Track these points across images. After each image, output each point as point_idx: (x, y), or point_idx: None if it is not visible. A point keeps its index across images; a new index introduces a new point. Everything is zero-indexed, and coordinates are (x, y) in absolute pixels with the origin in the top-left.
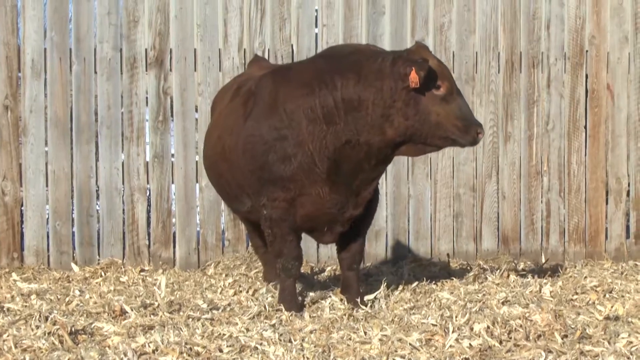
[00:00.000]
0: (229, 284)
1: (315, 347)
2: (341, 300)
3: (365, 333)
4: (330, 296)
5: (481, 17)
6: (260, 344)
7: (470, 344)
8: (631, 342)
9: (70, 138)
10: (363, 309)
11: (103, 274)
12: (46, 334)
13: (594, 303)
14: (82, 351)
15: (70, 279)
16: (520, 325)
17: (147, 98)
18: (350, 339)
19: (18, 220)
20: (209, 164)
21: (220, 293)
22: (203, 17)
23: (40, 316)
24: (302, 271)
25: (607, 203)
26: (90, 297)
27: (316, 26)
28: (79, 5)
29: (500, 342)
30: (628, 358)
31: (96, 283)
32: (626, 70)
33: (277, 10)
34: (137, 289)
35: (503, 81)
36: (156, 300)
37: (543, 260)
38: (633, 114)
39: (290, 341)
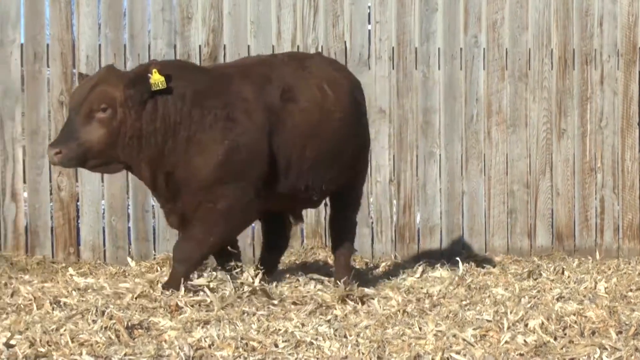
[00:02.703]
0: (285, 279)
1: (370, 342)
2: None
3: (420, 328)
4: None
5: (534, 13)
6: (316, 339)
7: (524, 340)
8: None
9: None
10: None
11: (159, 268)
12: (103, 329)
13: None
14: (138, 346)
15: (127, 274)
16: (575, 322)
17: None
18: (404, 334)
19: (74, 216)
20: None
21: (276, 288)
22: (256, 13)
23: (96, 311)
24: (357, 266)
25: None
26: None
27: (369, 23)
28: (133, 2)
29: (555, 338)
30: None
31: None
32: None
33: (330, 7)
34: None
35: (556, 78)
36: (209, 296)
37: (598, 257)
38: None
39: (345, 336)
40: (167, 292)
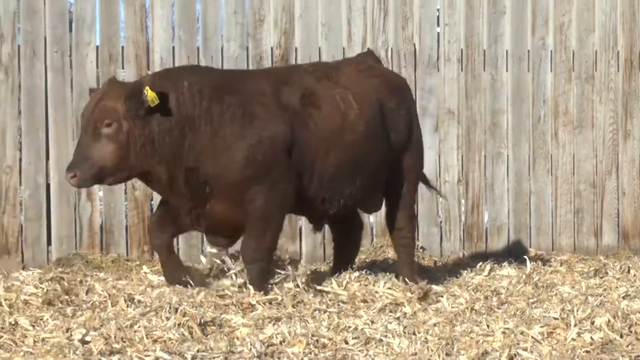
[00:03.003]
0: (355, 277)
1: (438, 339)
2: None
3: (487, 326)
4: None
5: (600, 16)
6: (385, 336)
7: (591, 338)
8: None
9: None
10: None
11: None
12: (176, 325)
13: None
14: (211, 342)
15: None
16: None
17: None
18: (472, 331)
19: (148, 215)
20: None
21: (345, 287)
22: (327, 16)
23: (170, 308)
24: (425, 264)
25: None
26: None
27: (438, 25)
28: (206, 5)
29: (621, 336)
30: None
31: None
32: None
33: (400, 10)
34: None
35: (622, 80)
36: (280, 295)
37: None
38: None
39: (414, 334)
40: (257, 292)
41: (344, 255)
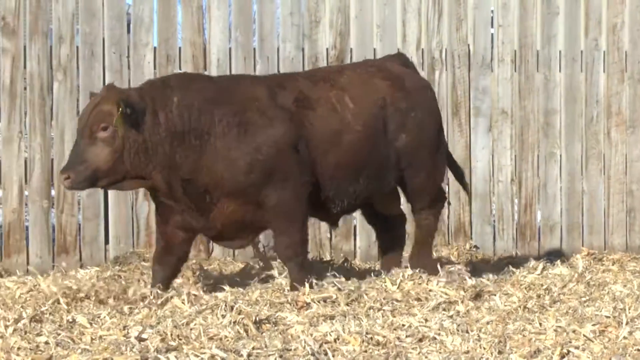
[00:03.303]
0: (409, 275)
1: (491, 337)
2: None
3: (540, 324)
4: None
5: None
6: (439, 334)
7: None
8: None
9: None
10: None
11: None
12: (232, 323)
13: None
14: (266, 340)
15: (254, 271)
16: None
17: None
18: (525, 329)
19: None
20: None
21: (399, 286)
22: (382, 17)
23: (226, 306)
24: (479, 263)
25: None
26: (274, 288)
27: (492, 26)
28: (262, 6)
29: None
30: None
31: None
32: None
33: (454, 11)
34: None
35: None
36: (335, 293)
37: None
38: None
39: (467, 332)
40: (301, 288)
41: (390, 251)
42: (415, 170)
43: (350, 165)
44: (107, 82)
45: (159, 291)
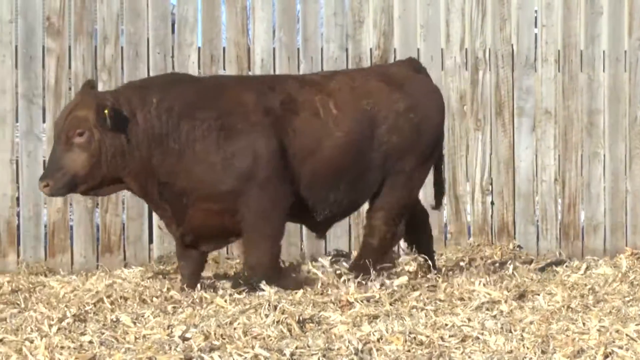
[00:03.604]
0: (452, 275)
1: (534, 337)
2: None
3: (583, 324)
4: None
5: None
6: (482, 334)
7: None
8: None
9: None
10: None
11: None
12: (275, 322)
13: None
14: (309, 339)
15: (298, 270)
16: None
17: None
18: (568, 329)
19: None
20: None
21: (442, 287)
22: (426, 17)
23: (269, 305)
24: (523, 263)
25: None
26: (316, 288)
27: (536, 26)
28: (306, 6)
29: None
30: None
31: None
32: None
33: (498, 11)
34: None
35: None
36: (378, 293)
37: None
38: None
39: (510, 331)
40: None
41: (420, 248)
42: (397, 171)
43: (329, 172)
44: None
45: (204, 292)
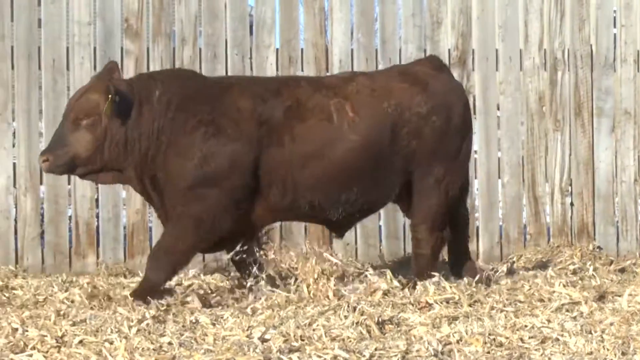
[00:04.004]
0: (531, 276)
1: (615, 338)
2: None
3: None
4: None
5: None
6: (562, 335)
7: None
8: None
9: None
10: None
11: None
12: (354, 324)
13: None
14: (389, 340)
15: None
16: None
17: None
18: None
19: None
20: None
21: (522, 288)
22: (504, 18)
23: (348, 306)
24: (602, 264)
25: None
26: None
27: (614, 26)
28: (384, 7)
29: None
30: None
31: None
32: None
33: (576, 11)
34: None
35: None
36: (457, 294)
37: None
38: None
39: (590, 332)
40: (146, 302)
41: (455, 256)
42: (422, 173)
43: (341, 174)
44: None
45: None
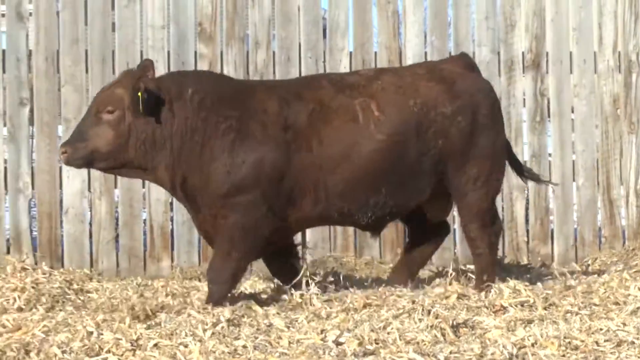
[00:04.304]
0: (606, 279)
1: None
2: None
3: None
4: None
5: None
6: (637, 339)
7: None
8: None
9: None
10: None
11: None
12: (429, 327)
13: None
14: (463, 344)
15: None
16: None
17: (524, 99)
18: None
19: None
20: None
21: (597, 291)
22: (578, 20)
23: (423, 310)
24: None
25: None
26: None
27: None
28: (458, 10)
29: None
30: None
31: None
32: None
33: None
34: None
35: None
36: (532, 297)
37: None
38: None
39: None
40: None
41: (412, 255)
42: (455, 174)
43: (369, 176)
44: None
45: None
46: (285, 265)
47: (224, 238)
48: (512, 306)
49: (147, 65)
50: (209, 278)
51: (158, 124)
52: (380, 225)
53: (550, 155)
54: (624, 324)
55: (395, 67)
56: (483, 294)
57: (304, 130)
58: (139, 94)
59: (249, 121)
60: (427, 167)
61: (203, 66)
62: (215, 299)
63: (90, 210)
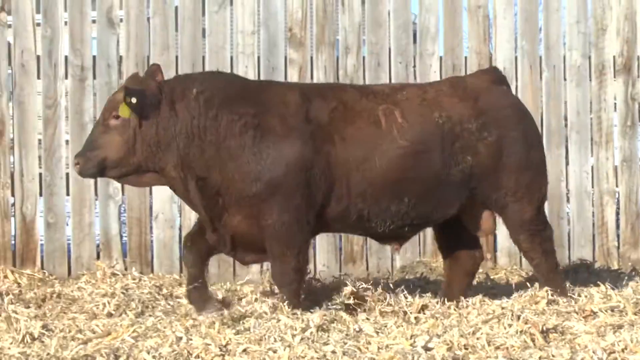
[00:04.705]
0: None
1: None
2: None
3: None
4: None
5: None
6: None
7: None
8: None
9: None
10: None
11: (573, 274)
12: (518, 332)
13: None
14: (553, 349)
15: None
16: None
17: (615, 104)
18: None
19: None
20: None
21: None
22: None
23: (512, 315)
24: None
25: None
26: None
27: None
28: (548, 15)
29: None
30: None
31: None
32: None
33: None
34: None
35: None
36: (622, 302)
37: None
38: None
39: None
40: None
41: (452, 286)
42: (489, 189)
43: (389, 182)
44: None
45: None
46: None
47: (273, 241)
48: (602, 311)
49: (154, 69)
50: (277, 283)
51: (162, 125)
52: (397, 236)
53: None
54: None
55: (420, 83)
56: (572, 299)
57: (326, 127)
58: (131, 98)
59: (266, 116)
60: (456, 181)
61: (293, 72)
62: (290, 300)
63: (180, 216)
